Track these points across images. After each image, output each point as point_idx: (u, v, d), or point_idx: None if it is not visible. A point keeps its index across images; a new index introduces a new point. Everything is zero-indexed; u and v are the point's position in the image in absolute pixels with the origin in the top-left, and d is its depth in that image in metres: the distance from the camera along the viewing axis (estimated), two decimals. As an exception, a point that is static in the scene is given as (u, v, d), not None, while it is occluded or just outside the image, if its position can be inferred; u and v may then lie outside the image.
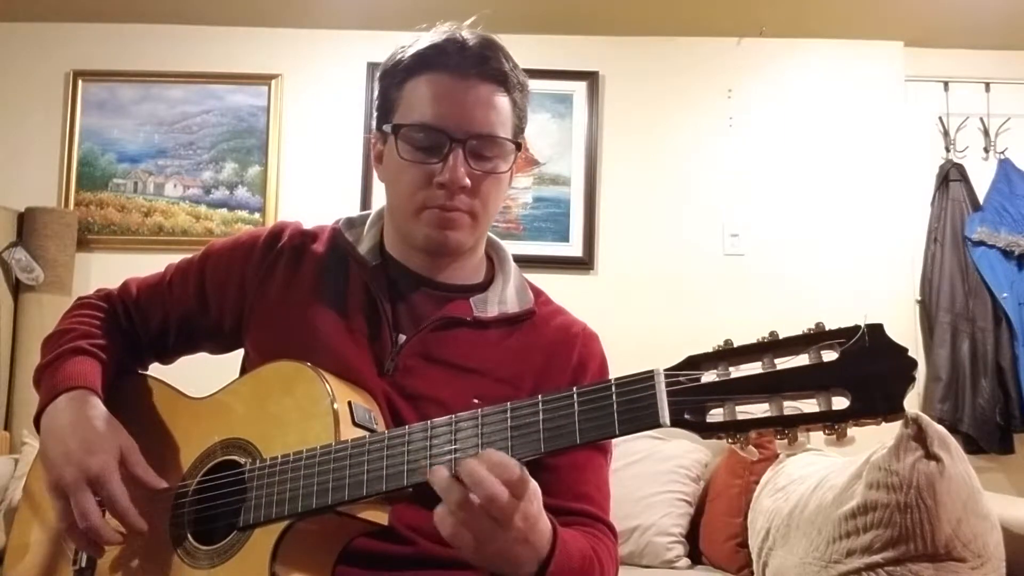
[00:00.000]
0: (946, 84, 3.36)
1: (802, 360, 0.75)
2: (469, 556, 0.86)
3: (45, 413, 1.06)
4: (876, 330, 0.74)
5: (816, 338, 0.75)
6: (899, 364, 0.73)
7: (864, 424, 0.74)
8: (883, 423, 0.74)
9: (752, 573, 2.14)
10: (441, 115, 1.05)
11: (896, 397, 0.72)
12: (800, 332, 0.76)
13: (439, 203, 1.06)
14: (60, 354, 1.11)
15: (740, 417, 0.76)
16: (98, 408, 1.06)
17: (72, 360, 1.10)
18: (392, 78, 1.10)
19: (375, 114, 1.15)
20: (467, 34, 1.09)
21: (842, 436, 0.74)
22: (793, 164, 3.33)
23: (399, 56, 1.10)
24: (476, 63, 1.07)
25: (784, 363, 0.76)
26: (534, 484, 0.85)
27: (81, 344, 1.13)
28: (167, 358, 1.27)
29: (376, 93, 1.14)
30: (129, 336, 1.21)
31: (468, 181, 1.05)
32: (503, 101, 1.09)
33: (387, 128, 1.10)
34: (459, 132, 1.05)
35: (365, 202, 3.30)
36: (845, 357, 0.74)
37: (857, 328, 0.74)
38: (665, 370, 0.79)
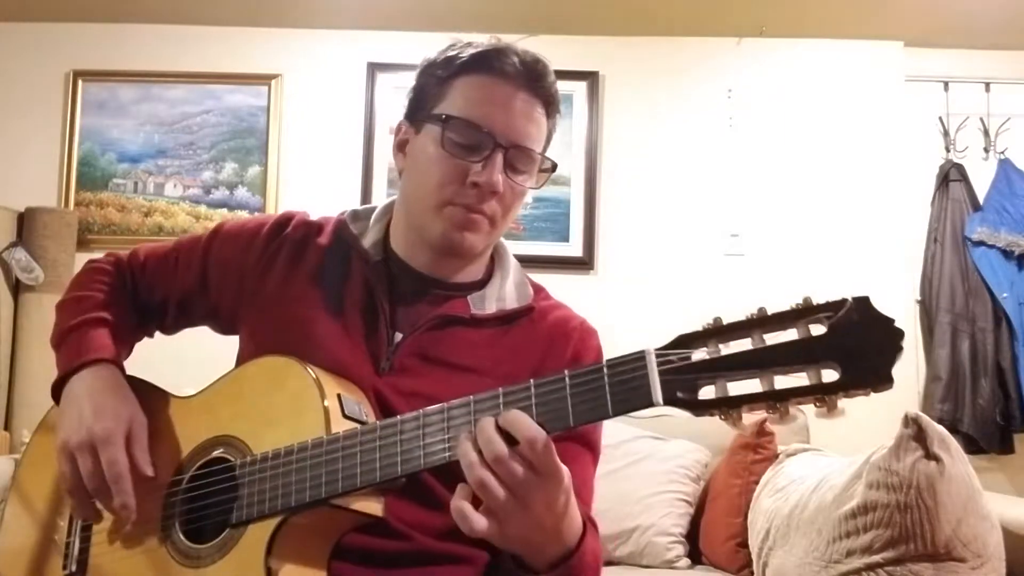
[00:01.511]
0: (946, 84, 3.36)
1: (791, 335, 0.75)
2: (491, 536, 0.84)
3: (68, 383, 1.08)
4: (863, 302, 0.74)
5: (804, 312, 0.75)
6: (887, 335, 0.73)
7: (854, 395, 0.74)
8: (872, 394, 0.74)
9: (752, 573, 2.14)
10: (490, 117, 1.05)
11: (885, 367, 0.73)
12: (788, 307, 0.76)
13: (467, 202, 1.06)
14: (83, 322, 1.13)
15: (732, 393, 0.77)
16: (118, 380, 1.08)
17: (95, 331, 1.12)
18: (444, 70, 1.09)
19: (407, 103, 1.14)
20: (523, 49, 1.10)
21: (832, 408, 0.74)
22: (793, 164, 3.33)
23: (454, 52, 1.09)
24: (532, 79, 1.08)
25: (773, 338, 0.76)
26: (567, 477, 0.85)
27: (102, 315, 1.15)
28: (168, 330, 1.28)
29: (415, 83, 1.13)
30: (136, 304, 1.23)
31: (501, 187, 1.06)
32: (544, 121, 1.10)
33: (424, 117, 1.09)
34: (503, 138, 1.05)
35: (365, 202, 3.28)
36: (833, 330, 0.74)
37: (844, 301, 0.74)
38: (656, 349, 0.80)
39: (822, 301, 0.75)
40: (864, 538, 1.49)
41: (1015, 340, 3.15)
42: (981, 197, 3.29)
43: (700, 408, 0.78)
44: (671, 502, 2.50)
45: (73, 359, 1.09)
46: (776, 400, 0.75)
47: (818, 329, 0.75)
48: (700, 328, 0.79)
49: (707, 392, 0.78)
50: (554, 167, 1.12)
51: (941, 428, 1.47)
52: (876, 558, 1.46)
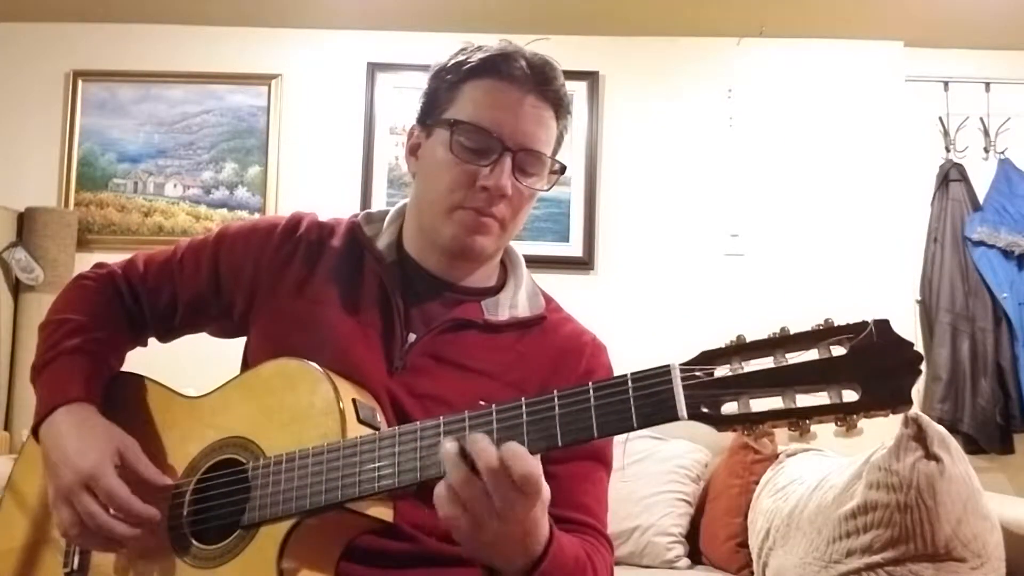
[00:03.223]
0: (946, 84, 3.36)
1: (812, 355, 0.78)
2: (460, 540, 0.86)
3: (43, 427, 1.06)
4: (883, 325, 0.76)
5: (825, 334, 0.77)
6: (906, 357, 0.75)
7: (873, 416, 0.76)
8: (891, 415, 0.76)
9: (752, 573, 2.14)
10: (498, 121, 1.07)
11: (904, 389, 0.75)
12: (810, 328, 0.79)
13: (476, 205, 1.07)
14: (57, 354, 1.11)
15: (755, 409, 0.79)
16: (94, 416, 1.06)
17: (69, 366, 1.10)
18: (452, 76, 1.10)
19: (419, 107, 1.15)
20: (532, 52, 1.11)
21: (852, 428, 0.77)
22: (793, 164, 3.33)
23: (463, 57, 1.11)
24: (540, 82, 1.09)
25: (795, 358, 0.78)
26: (546, 492, 0.86)
27: (78, 342, 1.12)
28: (168, 336, 1.26)
29: (426, 87, 1.14)
30: (130, 315, 1.21)
31: (510, 190, 1.07)
32: (553, 124, 1.11)
33: (433, 121, 1.11)
34: (511, 142, 1.07)
35: (365, 202, 3.30)
36: (854, 352, 0.76)
37: (865, 324, 0.76)
38: (680, 364, 0.81)
39: (843, 323, 0.78)
40: (864, 538, 1.49)
41: (1015, 340, 3.15)
42: (981, 197, 3.29)
43: (723, 423, 0.79)
44: (671, 502, 2.50)
45: (47, 401, 1.07)
46: (798, 418, 0.77)
47: (839, 350, 0.77)
48: (723, 345, 0.81)
49: (730, 408, 0.80)
50: (563, 169, 1.13)
51: (941, 428, 1.47)
52: (876, 558, 1.46)
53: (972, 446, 3.07)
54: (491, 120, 1.06)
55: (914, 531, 1.41)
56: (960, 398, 3.13)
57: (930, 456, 1.42)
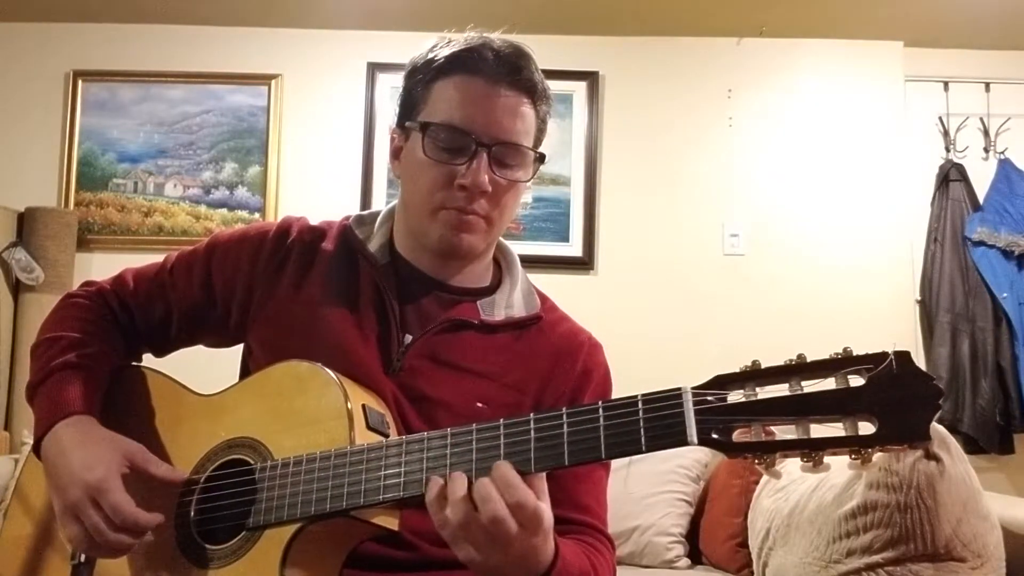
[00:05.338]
0: (946, 84, 3.36)
1: (829, 384, 0.76)
2: (466, 563, 0.86)
3: (45, 443, 1.04)
4: (903, 357, 0.75)
5: (843, 363, 0.76)
6: (925, 391, 0.74)
7: (890, 450, 0.75)
8: (908, 449, 0.75)
9: (752, 573, 2.14)
10: (469, 118, 1.05)
11: (922, 424, 0.73)
12: (827, 356, 0.77)
13: (458, 205, 1.06)
14: (51, 371, 1.09)
15: (767, 438, 0.77)
16: (96, 428, 1.04)
17: (65, 382, 1.08)
18: (423, 75, 1.10)
19: (397, 109, 1.14)
20: (501, 42, 1.09)
21: (867, 461, 0.74)
22: (793, 164, 3.33)
23: (431, 55, 1.09)
24: (509, 72, 1.07)
25: (811, 386, 0.76)
26: (548, 519, 0.85)
27: (72, 358, 1.10)
28: (164, 350, 1.24)
29: (402, 88, 1.14)
30: (124, 331, 1.19)
31: (489, 186, 1.05)
32: (529, 112, 1.09)
33: (411, 124, 1.10)
34: (486, 137, 1.05)
35: (365, 202, 3.31)
36: (872, 383, 0.74)
37: (885, 355, 0.75)
38: (692, 388, 0.80)
39: (862, 353, 0.76)
40: (864, 538, 1.49)
41: (1015, 340, 3.15)
42: (981, 197, 3.30)
43: (734, 451, 0.78)
44: (671, 502, 2.50)
45: (47, 418, 1.05)
46: (812, 449, 0.75)
47: (856, 380, 0.75)
48: (737, 370, 0.79)
49: (742, 435, 0.78)
50: (543, 157, 1.12)
51: (941, 428, 1.47)
52: (876, 558, 1.46)
53: (972, 446, 3.07)
54: (462, 118, 1.05)
55: (914, 531, 1.41)
56: (960, 398, 3.13)
57: (930, 456, 1.42)
